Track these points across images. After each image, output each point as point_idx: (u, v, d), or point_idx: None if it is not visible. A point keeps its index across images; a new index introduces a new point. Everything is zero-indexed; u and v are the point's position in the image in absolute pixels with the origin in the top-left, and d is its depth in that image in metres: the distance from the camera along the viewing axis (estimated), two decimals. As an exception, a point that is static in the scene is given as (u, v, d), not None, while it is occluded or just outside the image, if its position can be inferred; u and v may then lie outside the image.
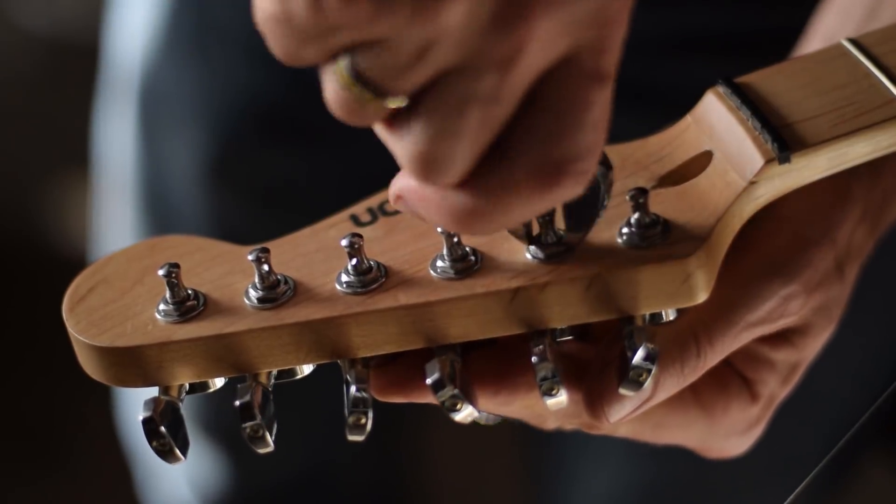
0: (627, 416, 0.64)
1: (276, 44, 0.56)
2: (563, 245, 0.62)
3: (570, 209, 0.61)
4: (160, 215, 1.16)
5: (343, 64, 0.54)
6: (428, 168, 0.56)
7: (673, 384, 0.64)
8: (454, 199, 0.57)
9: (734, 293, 0.64)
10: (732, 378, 0.67)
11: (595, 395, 0.63)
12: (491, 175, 0.56)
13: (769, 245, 0.66)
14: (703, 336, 0.64)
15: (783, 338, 0.67)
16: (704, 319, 0.64)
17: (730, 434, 0.69)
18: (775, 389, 0.68)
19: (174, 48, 1.11)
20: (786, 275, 0.65)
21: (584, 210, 0.62)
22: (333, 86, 0.55)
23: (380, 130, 0.57)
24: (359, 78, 0.54)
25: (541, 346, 0.62)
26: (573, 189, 0.57)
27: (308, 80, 1.07)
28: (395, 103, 0.55)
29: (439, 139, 0.55)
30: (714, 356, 0.64)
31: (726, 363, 0.67)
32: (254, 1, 0.56)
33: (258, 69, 1.08)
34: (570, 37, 0.54)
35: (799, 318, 0.66)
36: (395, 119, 0.56)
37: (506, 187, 0.56)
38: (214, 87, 1.09)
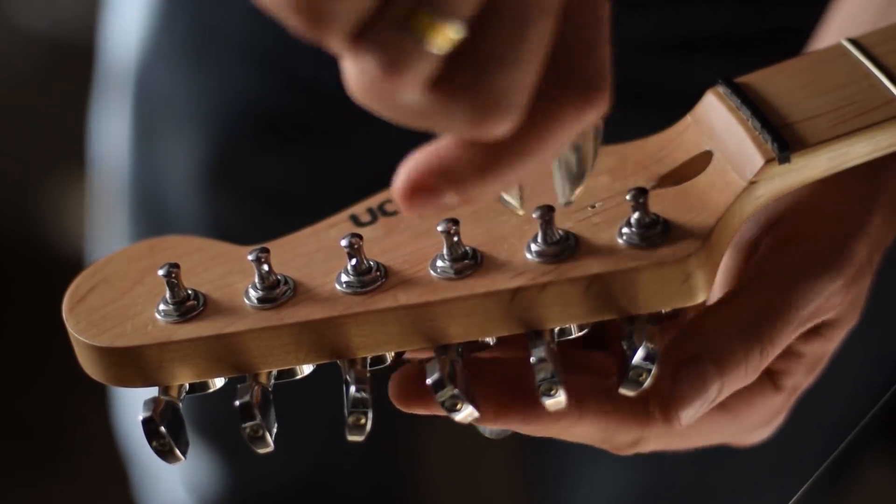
0: (695, 417, 0.63)
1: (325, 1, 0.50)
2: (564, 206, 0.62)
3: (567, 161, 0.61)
4: (156, 218, 1.16)
5: None
6: (495, 112, 0.53)
7: (736, 385, 0.64)
8: (499, 150, 0.54)
9: (789, 292, 0.64)
10: None
11: (667, 400, 0.63)
12: (534, 106, 0.54)
13: (814, 241, 0.65)
14: (766, 336, 0.64)
15: (815, 331, 0.67)
16: (761, 320, 0.64)
17: (754, 427, 0.69)
18: (799, 380, 0.68)
19: (169, 50, 1.10)
20: (833, 270, 0.65)
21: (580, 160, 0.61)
22: (390, 36, 0.51)
23: (423, 103, 0.53)
24: (426, 6, 0.50)
25: (539, 347, 0.62)
26: (605, 105, 0.55)
27: (305, 81, 1.07)
28: (457, 33, 0.51)
29: (506, 69, 0.52)
30: (773, 355, 0.64)
31: None
32: None
33: (254, 71, 1.08)
34: None
35: (835, 312, 0.66)
36: (447, 75, 0.52)
37: (549, 116, 0.54)
38: (210, 89, 1.09)
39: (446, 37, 0.51)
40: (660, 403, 0.63)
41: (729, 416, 0.67)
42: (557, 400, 0.62)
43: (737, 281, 0.66)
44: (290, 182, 1.11)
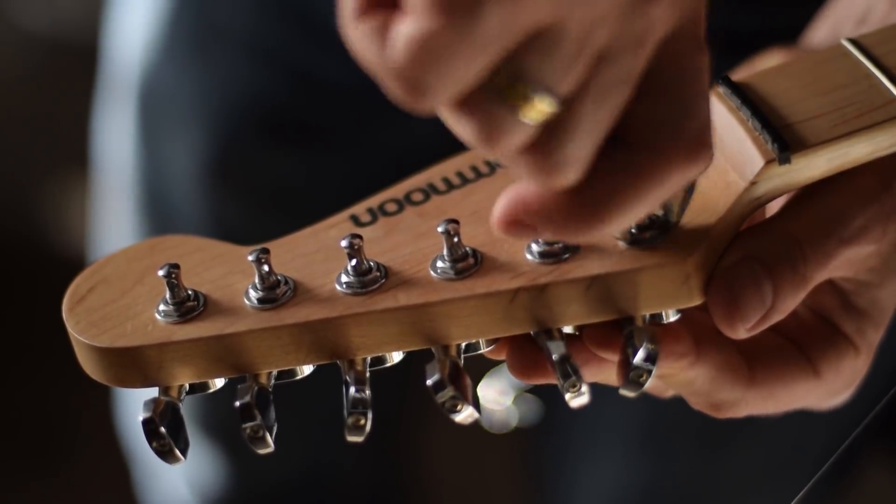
0: (755, 326, 0.64)
1: (428, 74, 0.51)
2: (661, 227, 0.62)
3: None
4: (160, 216, 1.16)
5: (508, 70, 0.52)
6: (562, 172, 0.55)
7: (788, 292, 0.64)
8: (598, 201, 0.57)
9: (826, 210, 0.65)
10: (835, 336, 0.68)
11: (726, 305, 0.64)
12: (630, 163, 0.56)
13: (851, 181, 0.66)
14: (806, 243, 0.64)
15: (864, 283, 0.68)
16: (804, 229, 0.65)
17: (840, 390, 0.70)
18: (872, 336, 0.69)
19: (174, 49, 1.11)
20: (874, 195, 0.65)
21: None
22: (487, 106, 0.52)
23: (509, 156, 0.55)
24: (526, 81, 0.52)
25: (557, 343, 0.62)
26: (710, 159, 0.58)
27: (308, 81, 1.07)
28: (552, 107, 0.53)
29: (582, 137, 0.54)
30: (816, 267, 0.65)
31: (828, 322, 0.68)
32: (370, 46, 0.52)
33: (258, 70, 1.08)
34: (681, 6, 0.55)
35: (877, 253, 0.67)
36: (542, 132, 0.54)
37: (653, 173, 0.56)
38: (214, 87, 1.09)
39: (541, 111, 0.53)
40: (718, 309, 0.64)
41: (820, 381, 0.68)
42: (581, 401, 0.62)
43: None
44: (293, 179, 1.11)
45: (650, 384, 0.62)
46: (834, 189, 0.65)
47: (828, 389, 0.69)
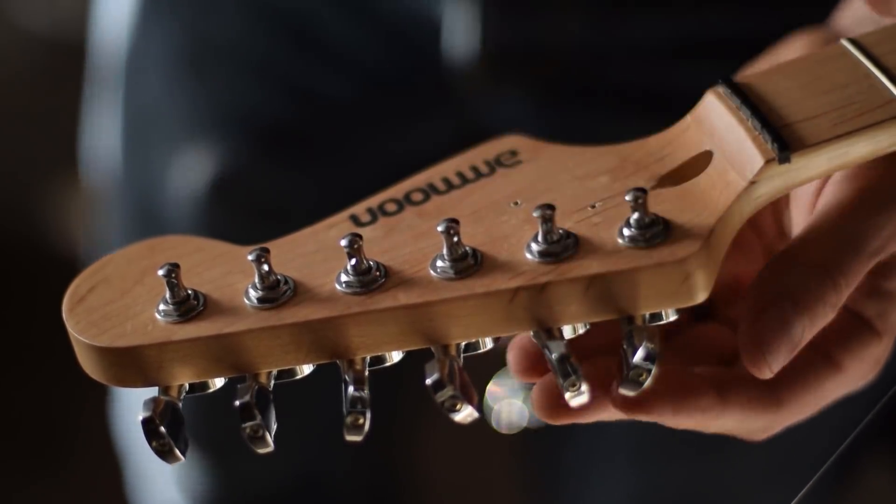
0: (784, 362, 0.64)
1: None
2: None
3: None
4: (153, 230, 1.15)
5: None
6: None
7: (819, 324, 0.64)
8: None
9: (854, 225, 0.64)
10: (855, 325, 0.68)
11: (755, 350, 0.64)
12: None
13: (879, 178, 0.65)
14: (836, 270, 0.64)
15: (893, 267, 0.67)
16: (832, 254, 0.64)
17: (864, 375, 0.69)
18: (894, 318, 0.68)
19: (161, 58, 1.10)
20: (886, 202, 0.65)
21: None
22: None
23: None
24: None
25: (558, 343, 0.62)
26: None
27: (304, 95, 1.07)
28: None
29: None
30: (849, 288, 0.64)
31: (847, 311, 0.68)
32: None
33: (254, 85, 1.08)
34: None
35: None
36: None
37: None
38: (210, 104, 1.09)
39: None
40: (748, 355, 0.63)
41: (844, 374, 0.68)
42: (580, 400, 0.62)
43: (810, 217, 0.67)
44: (291, 197, 1.11)
45: (649, 384, 0.62)
46: (851, 204, 0.65)
47: (853, 377, 0.68)
